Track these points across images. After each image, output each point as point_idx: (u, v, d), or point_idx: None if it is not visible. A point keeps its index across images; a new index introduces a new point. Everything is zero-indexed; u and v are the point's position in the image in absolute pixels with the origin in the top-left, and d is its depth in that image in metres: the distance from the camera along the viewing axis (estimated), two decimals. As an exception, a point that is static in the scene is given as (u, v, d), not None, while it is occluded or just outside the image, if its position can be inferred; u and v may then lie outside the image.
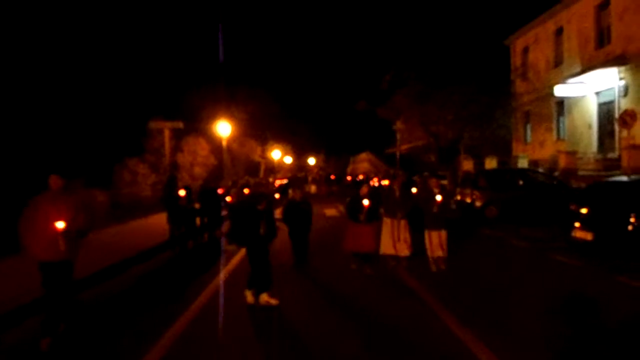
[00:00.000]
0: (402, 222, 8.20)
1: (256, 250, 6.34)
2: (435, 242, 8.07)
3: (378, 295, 6.70)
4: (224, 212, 11.77)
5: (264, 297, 6.17)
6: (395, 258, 8.27)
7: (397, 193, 8.32)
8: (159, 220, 12.30)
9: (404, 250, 8.18)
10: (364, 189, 8.08)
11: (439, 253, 8.05)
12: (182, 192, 10.58)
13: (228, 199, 12.65)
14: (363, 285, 7.21)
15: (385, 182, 20.37)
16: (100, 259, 8.45)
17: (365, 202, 7.74)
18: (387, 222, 8.34)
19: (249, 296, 6.27)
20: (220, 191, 12.76)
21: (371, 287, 7.11)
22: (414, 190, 11.04)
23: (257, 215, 6.32)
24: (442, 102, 21.27)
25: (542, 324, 5.25)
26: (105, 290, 7.38)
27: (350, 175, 44.80)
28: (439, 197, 7.96)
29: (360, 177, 41.78)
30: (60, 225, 4.85)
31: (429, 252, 8.16)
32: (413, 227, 8.44)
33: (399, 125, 25.71)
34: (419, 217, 8.43)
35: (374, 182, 27.62)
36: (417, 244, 8.45)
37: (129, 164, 26.79)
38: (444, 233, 8.13)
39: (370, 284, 7.33)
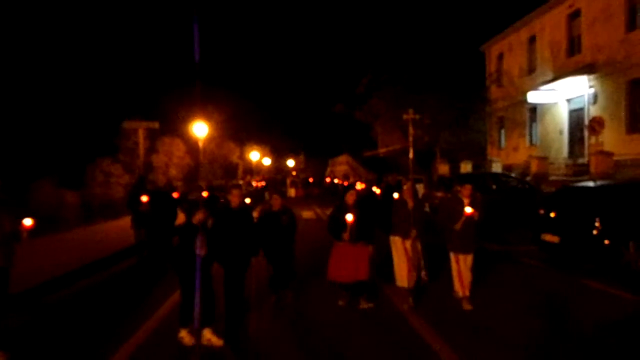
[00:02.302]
0: (417, 243, 6.39)
1: (231, 272, 5.57)
2: (463, 269, 6.18)
3: (377, 345, 4.94)
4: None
5: (207, 335, 4.94)
6: (409, 291, 6.28)
7: (410, 203, 6.35)
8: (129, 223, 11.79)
9: (421, 277, 6.45)
10: (350, 198, 6.14)
11: (467, 290, 6.13)
12: (144, 198, 9.73)
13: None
14: (355, 329, 5.40)
15: (361, 187, 20.13)
16: (55, 265, 8.10)
17: (349, 217, 5.82)
18: (396, 244, 6.52)
19: (186, 337, 4.96)
20: (175, 195, 11.36)
21: (369, 333, 5.28)
22: (395, 195, 9.59)
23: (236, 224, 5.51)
24: (419, 107, 21.53)
25: (508, 323, 5.34)
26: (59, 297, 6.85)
27: (329, 176, 43.65)
28: (469, 209, 6.01)
29: (339, 181, 40.57)
30: None
31: (456, 284, 6.23)
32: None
33: (377, 128, 25.96)
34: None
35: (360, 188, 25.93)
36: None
37: (101, 164, 26.23)
38: (470, 258, 6.23)
39: (367, 327, 5.47)
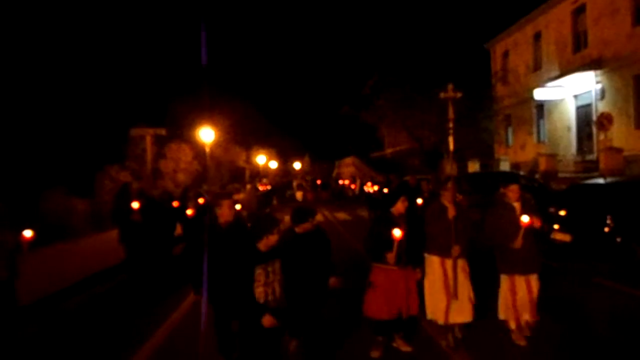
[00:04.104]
0: (461, 264, 4.94)
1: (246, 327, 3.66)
2: (522, 294, 4.84)
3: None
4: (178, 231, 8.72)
5: None
6: (449, 328, 4.94)
7: (452, 211, 4.85)
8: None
9: (464, 314, 4.88)
10: (400, 206, 4.70)
11: (526, 316, 4.84)
12: (135, 205, 8.44)
13: (189, 212, 9.56)
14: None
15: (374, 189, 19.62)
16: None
17: (397, 232, 4.32)
18: (433, 265, 5.01)
19: None
20: (175, 204, 10.11)
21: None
22: (419, 201, 8.25)
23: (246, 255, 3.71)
24: (425, 107, 21.47)
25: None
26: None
27: (342, 178, 40.99)
28: (525, 218, 4.65)
29: (347, 182, 36.88)
30: None
31: (507, 313, 4.91)
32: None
33: (383, 129, 25.93)
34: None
35: (370, 189, 22.86)
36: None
37: (110, 172, 26.42)
38: (535, 280, 4.90)
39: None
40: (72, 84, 27.92)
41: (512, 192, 4.90)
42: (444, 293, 4.87)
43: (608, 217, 7.54)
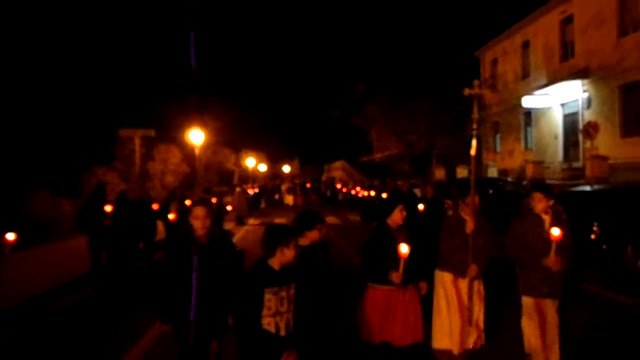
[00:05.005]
0: (477, 286, 4.33)
1: None
2: (551, 322, 4.08)
3: None
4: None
5: None
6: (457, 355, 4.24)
7: (471, 224, 4.19)
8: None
9: (474, 340, 4.30)
10: (397, 216, 3.96)
11: (554, 356, 4.08)
12: (108, 208, 7.75)
13: (171, 216, 8.87)
14: None
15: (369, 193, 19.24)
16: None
17: (404, 248, 3.60)
18: (445, 284, 4.35)
19: None
20: (155, 207, 9.52)
21: None
22: (420, 206, 7.67)
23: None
24: (414, 112, 21.67)
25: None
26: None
27: (339, 182, 39.29)
28: (556, 232, 3.82)
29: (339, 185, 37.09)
30: None
31: (533, 342, 4.10)
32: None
33: (373, 134, 26.12)
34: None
35: (358, 192, 22.65)
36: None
37: (97, 173, 26.11)
38: (556, 305, 4.16)
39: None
40: (60, 84, 27.57)
41: (538, 202, 4.06)
42: (458, 316, 4.19)
43: (594, 224, 7.66)
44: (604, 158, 15.29)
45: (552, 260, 3.86)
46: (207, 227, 3.41)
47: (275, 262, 2.93)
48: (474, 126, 4.49)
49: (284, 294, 2.92)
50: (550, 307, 4.12)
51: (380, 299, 3.91)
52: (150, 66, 44.12)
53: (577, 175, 16.38)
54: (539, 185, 4.42)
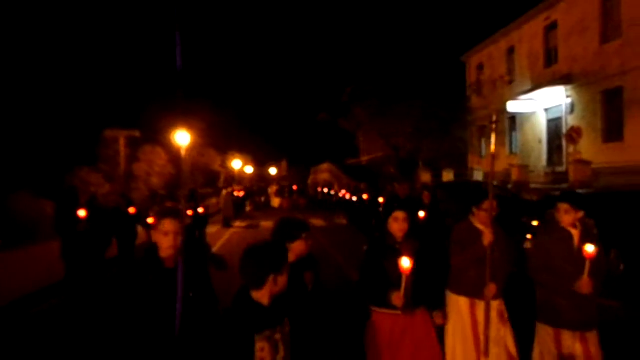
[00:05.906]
0: (497, 306, 3.61)
1: None
2: (580, 352, 3.34)
3: None
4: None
5: None
6: None
7: (489, 236, 3.44)
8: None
9: None
10: (396, 226, 3.34)
11: None
12: (82, 213, 7.38)
13: (150, 220, 8.73)
14: None
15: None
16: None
17: (406, 262, 2.96)
18: (460, 308, 3.66)
19: None
20: (132, 211, 9.05)
21: None
22: (421, 214, 6.86)
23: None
24: (401, 115, 21.80)
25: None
26: None
27: (319, 185, 39.02)
28: (591, 248, 3.18)
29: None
30: None
31: None
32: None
33: (360, 137, 26.19)
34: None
35: (345, 195, 22.63)
36: None
37: (80, 174, 25.69)
38: (594, 338, 3.45)
39: None
40: (44, 84, 27.10)
41: (565, 214, 3.40)
42: (473, 345, 3.52)
43: (579, 228, 7.78)
44: (587, 163, 15.55)
45: (585, 283, 3.21)
46: (177, 246, 2.57)
47: (264, 296, 2.14)
48: (493, 126, 3.74)
49: (278, 336, 2.16)
50: (581, 339, 3.37)
51: (384, 326, 3.24)
52: (135, 67, 43.67)
53: (561, 179, 16.63)
54: (567, 195, 3.71)
